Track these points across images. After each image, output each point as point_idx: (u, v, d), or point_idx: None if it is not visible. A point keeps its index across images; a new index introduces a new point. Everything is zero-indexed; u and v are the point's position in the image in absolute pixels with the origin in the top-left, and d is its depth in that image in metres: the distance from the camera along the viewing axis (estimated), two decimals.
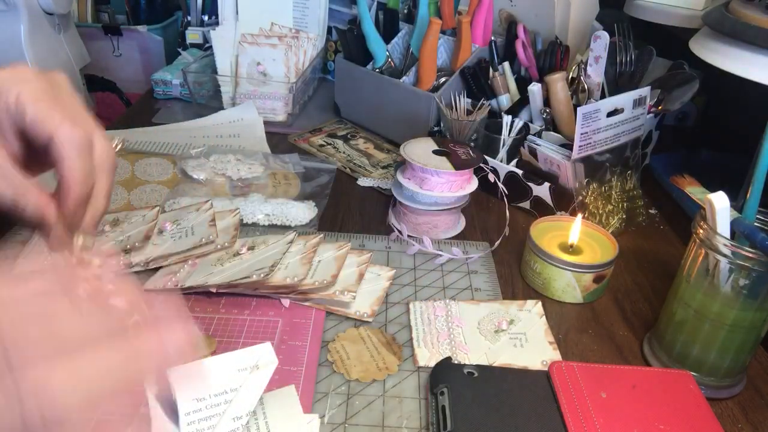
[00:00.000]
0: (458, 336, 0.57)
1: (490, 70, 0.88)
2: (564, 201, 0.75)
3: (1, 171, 0.32)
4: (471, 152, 0.72)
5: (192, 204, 0.72)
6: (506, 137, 0.82)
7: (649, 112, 0.78)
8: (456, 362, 0.52)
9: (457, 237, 0.74)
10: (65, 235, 0.35)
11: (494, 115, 0.84)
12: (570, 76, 0.83)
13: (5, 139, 0.33)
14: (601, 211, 0.75)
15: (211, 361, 0.44)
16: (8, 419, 0.23)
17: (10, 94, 0.31)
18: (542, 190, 0.77)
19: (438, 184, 0.69)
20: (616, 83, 0.83)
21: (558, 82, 0.77)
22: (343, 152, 0.93)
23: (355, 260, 0.65)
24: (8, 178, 0.32)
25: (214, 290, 0.59)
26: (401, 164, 0.73)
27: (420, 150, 0.71)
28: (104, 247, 0.64)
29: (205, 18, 1.18)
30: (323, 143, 0.94)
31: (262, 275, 0.58)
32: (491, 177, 0.76)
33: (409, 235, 0.71)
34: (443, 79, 0.90)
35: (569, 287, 0.63)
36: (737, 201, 0.50)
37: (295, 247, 0.65)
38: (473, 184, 0.72)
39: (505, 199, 0.72)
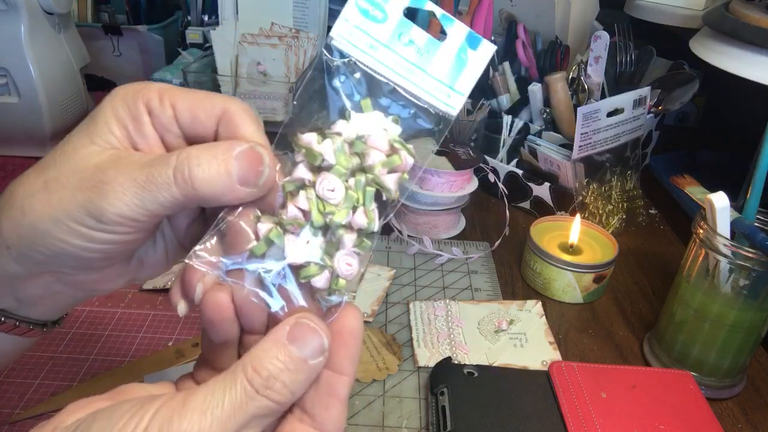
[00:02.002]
0: (458, 336, 0.57)
1: (490, 70, 0.88)
2: (564, 201, 0.75)
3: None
4: (471, 152, 0.72)
5: None
6: (506, 137, 0.82)
7: (649, 112, 0.78)
8: (456, 362, 0.52)
9: (457, 237, 0.73)
10: None
11: (494, 115, 0.84)
12: (570, 76, 0.83)
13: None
14: (601, 211, 0.75)
15: None
16: None
17: (160, 103, 0.28)
18: (542, 190, 0.77)
19: (438, 184, 0.69)
20: (616, 83, 0.83)
21: (558, 82, 0.77)
22: None
23: None
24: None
25: None
26: None
27: (420, 150, 0.71)
28: None
29: (205, 18, 1.18)
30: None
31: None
32: (491, 177, 0.76)
33: (409, 235, 0.71)
34: None
35: (569, 287, 0.63)
36: (737, 201, 0.50)
37: None
38: (473, 184, 0.72)
39: (505, 199, 0.72)
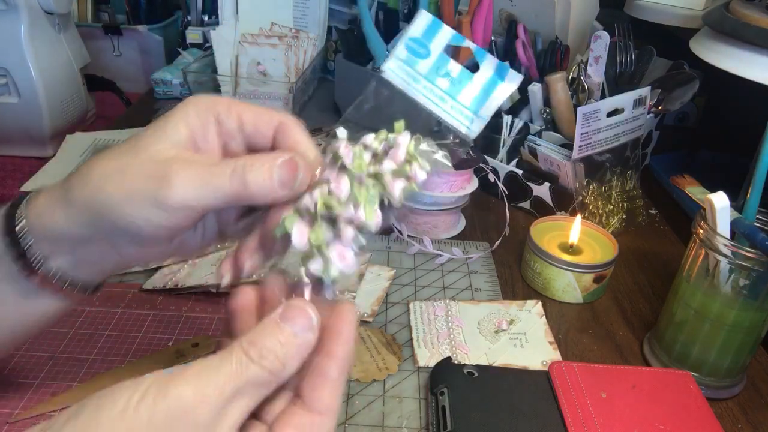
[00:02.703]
0: (458, 336, 0.57)
1: None
2: (564, 201, 0.75)
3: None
4: (471, 152, 0.72)
5: None
6: (506, 137, 0.82)
7: (649, 112, 0.78)
8: (456, 362, 0.52)
9: (457, 237, 0.74)
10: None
11: (494, 115, 0.84)
12: (570, 76, 0.83)
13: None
14: (601, 211, 0.75)
15: None
16: None
17: (228, 115, 0.34)
18: (542, 190, 0.77)
19: (438, 185, 0.69)
20: (616, 83, 0.83)
21: (558, 82, 0.77)
22: None
23: None
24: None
25: (214, 290, 0.59)
26: None
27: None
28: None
29: (205, 18, 1.18)
30: (323, 143, 0.94)
31: (261, 275, 0.58)
32: (491, 177, 0.76)
33: (409, 235, 0.71)
34: None
35: (569, 287, 0.63)
36: (737, 201, 0.50)
37: None
38: (473, 184, 0.72)
39: (505, 199, 0.72)
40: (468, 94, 0.40)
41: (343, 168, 0.32)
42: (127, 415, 0.24)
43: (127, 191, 0.32)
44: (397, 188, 0.31)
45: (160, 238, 0.34)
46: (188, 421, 0.25)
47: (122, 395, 0.25)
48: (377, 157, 0.32)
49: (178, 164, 0.32)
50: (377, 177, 0.32)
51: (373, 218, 0.31)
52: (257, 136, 0.35)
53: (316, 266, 0.31)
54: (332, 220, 0.31)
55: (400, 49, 0.39)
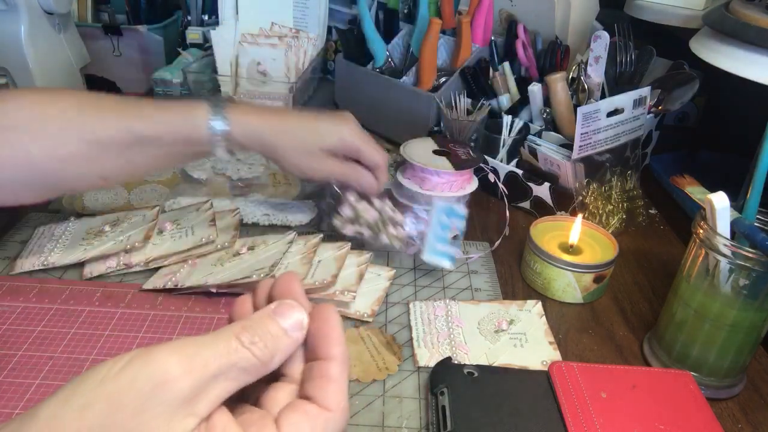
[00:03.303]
0: (458, 336, 0.57)
1: (490, 70, 0.88)
2: (564, 201, 0.75)
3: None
4: (471, 152, 0.72)
5: (192, 204, 0.72)
6: (506, 137, 0.82)
7: (649, 112, 0.78)
8: (456, 362, 0.52)
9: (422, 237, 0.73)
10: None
11: (494, 115, 0.84)
12: (570, 76, 0.83)
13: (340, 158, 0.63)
14: (601, 211, 0.75)
15: None
16: None
17: (348, 137, 0.62)
18: (542, 190, 0.77)
19: (438, 184, 0.69)
20: (616, 83, 0.83)
21: (558, 82, 0.77)
22: None
23: (355, 260, 0.65)
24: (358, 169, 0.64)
25: (214, 290, 0.59)
26: (401, 164, 0.73)
27: (420, 150, 0.71)
28: (106, 246, 0.64)
29: (205, 18, 1.18)
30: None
31: (262, 275, 0.58)
32: (492, 177, 0.76)
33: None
34: (443, 79, 0.90)
35: (569, 287, 0.63)
36: (737, 201, 0.50)
37: (295, 247, 0.65)
38: (473, 184, 0.72)
39: (506, 199, 0.72)
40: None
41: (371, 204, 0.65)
42: (107, 382, 0.24)
43: (293, 153, 0.61)
44: (395, 238, 0.64)
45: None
46: (169, 390, 0.24)
47: (105, 365, 0.25)
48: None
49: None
50: (384, 223, 0.65)
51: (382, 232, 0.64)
52: (360, 156, 0.63)
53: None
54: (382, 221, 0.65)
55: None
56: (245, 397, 0.30)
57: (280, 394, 0.29)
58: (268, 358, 0.27)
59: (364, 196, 0.66)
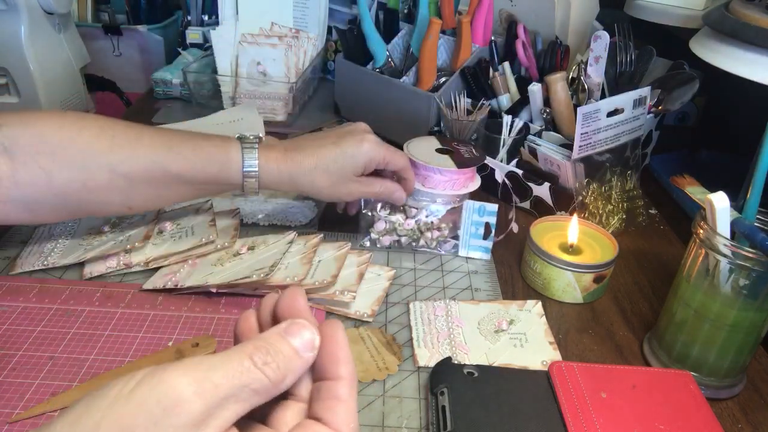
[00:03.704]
0: (458, 336, 0.57)
1: (490, 70, 0.88)
2: (564, 201, 0.75)
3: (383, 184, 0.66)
4: (474, 151, 0.72)
5: (192, 204, 0.72)
6: (506, 137, 0.82)
7: (649, 112, 0.78)
8: (456, 362, 0.52)
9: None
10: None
11: (494, 115, 0.84)
12: (570, 76, 0.83)
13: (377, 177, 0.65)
14: (601, 211, 0.75)
15: None
16: None
17: (375, 153, 0.62)
18: (542, 190, 0.77)
19: (440, 182, 0.69)
20: (616, 83, 0.83)
21: (558, 82, 0.77)
22: None
23: (355, 260, 0.65)
24: (386, 185, 0.65)
25: (214, 290, 0.59)
26: None
27: (423, 148, 0.71)
28: (106, 246, 0.64)
29: (205, 18, 1.18)
30: None
31: (262, 275, 0.58)
32: (498, 176, 0.76)
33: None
34: (443, 79, 0.90)
35: (569, 287, 0.63)
36: (737, 201, 0.50)
37: (295, 247, 0.65)
38: (476, 183, 0.72)
39: (514, 197, 0.73)
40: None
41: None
42: (118, 403, 0.24)
43: (325, 185, 0.61)
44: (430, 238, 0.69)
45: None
46: (180, 414, 0.24)
47: (116, 384, 0.24)
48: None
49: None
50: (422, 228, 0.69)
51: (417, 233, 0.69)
52: (386, 165, 0.64)
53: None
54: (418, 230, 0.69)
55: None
56: (252, 415, 0.29)
57: (288, 414, 0.29)
58: (280, 379, 0.27)
59: (395, 207, 0.69)
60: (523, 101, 0.85)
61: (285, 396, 0.30)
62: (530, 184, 0.78)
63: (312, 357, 0.29)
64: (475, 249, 0.69)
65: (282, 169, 0.59)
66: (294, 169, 0.60)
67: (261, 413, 0.30)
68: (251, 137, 0.59)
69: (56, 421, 0.24)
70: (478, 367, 0.50)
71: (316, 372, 0.30)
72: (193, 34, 1.14)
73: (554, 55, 0.85)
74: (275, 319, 0.31)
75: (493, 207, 0.68)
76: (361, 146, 0.61)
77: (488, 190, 0.82)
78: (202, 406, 0.24)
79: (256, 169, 0.58)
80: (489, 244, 0.69)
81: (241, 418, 0.27)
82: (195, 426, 0.24)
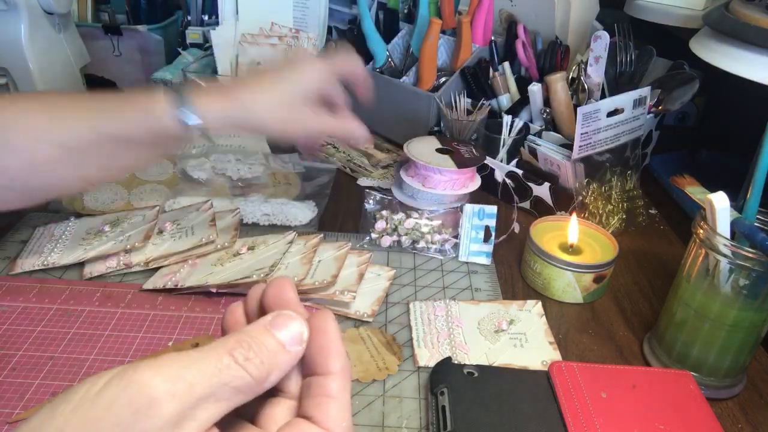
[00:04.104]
0: (458, 336, 0.57)
1: (490, 70, 0.88)
2: (564, 201, 0.75)
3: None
4: (474, 151, 0.72)
5: (192, 204, 0.72)
6: (506, 137, 0.82)
7: (649, 112, 0.78)
8: (456, 362, 0.52)
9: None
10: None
11: (494, 115, 0.84)
12: (570, 76, 0.83)
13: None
14: (601, 211, 0.75)
15: None
16: None
17: (319, 63, 0.56)
18: (542, 190, 0.77)
19: (441, 182, 0.69)
20: (616, 83, 0.83)
21: (558, 82, 0.77)
22: (343, 152, 0.93)
23: (355, 260, 0.65)
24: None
25: (214, 290, 0.59)
26: (403, 163, 0.73)
27: (423, 148, 0.71)
28: (106, 246, 0.64)
29: (205, 18, 1.18)
30: (323, 143, 0.94)
31: (262, 275, 0.58)
32: (498, 176, 0.76)
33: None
34: (443, 79, 0.90)
35: (569, 287, 0.63)
36: (737, 201, 0.50)
37: (295, 247, 0.65)
38: (476, 183, 0.72)
39: (515, 198, 0.73)
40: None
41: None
42: (83, 407, 0.22)
43: (275, 118, 0.54)
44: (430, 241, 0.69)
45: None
46: (151, 417, 0.22)
47: (83, 386, 0.22)
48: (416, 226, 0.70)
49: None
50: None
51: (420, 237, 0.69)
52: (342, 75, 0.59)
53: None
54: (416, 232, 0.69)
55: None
56: (239, 413, 0.27)
57: (278, 412, 0.27)
58: (263, 376, 0.25)
59: (401, 209, 0.70)
60: (523, 101, 0.85)
61: (274, 393, 0.28)
62: (530, 184, 0.78)
63: (300, 351, 0.27)
64: (476, 254, 0.69)
65: (224, 113, 0.53)
66: (237, 110, 0.53)
67: (250, 411, 0.28)
68: (183, 85, 0.55)
69: (22, 428, 0.22)
70: (478, 367, 0.50)
71: (306, 367, 0.28)
72: (193, 34, 1.14)
73: (554, 55, 0.85)
74: (262, 311, 0.29)
75: (493, 209, 0.68)
76: (306, 68, 0.56)
77: (488, 190, 0.82)
78: (175, 407, 0.22)
79: (196, 121, 0.52)
80: (489, 248, 0.68)
81: (228, 416, 0.25)
82: (168, 429, 0.22)
